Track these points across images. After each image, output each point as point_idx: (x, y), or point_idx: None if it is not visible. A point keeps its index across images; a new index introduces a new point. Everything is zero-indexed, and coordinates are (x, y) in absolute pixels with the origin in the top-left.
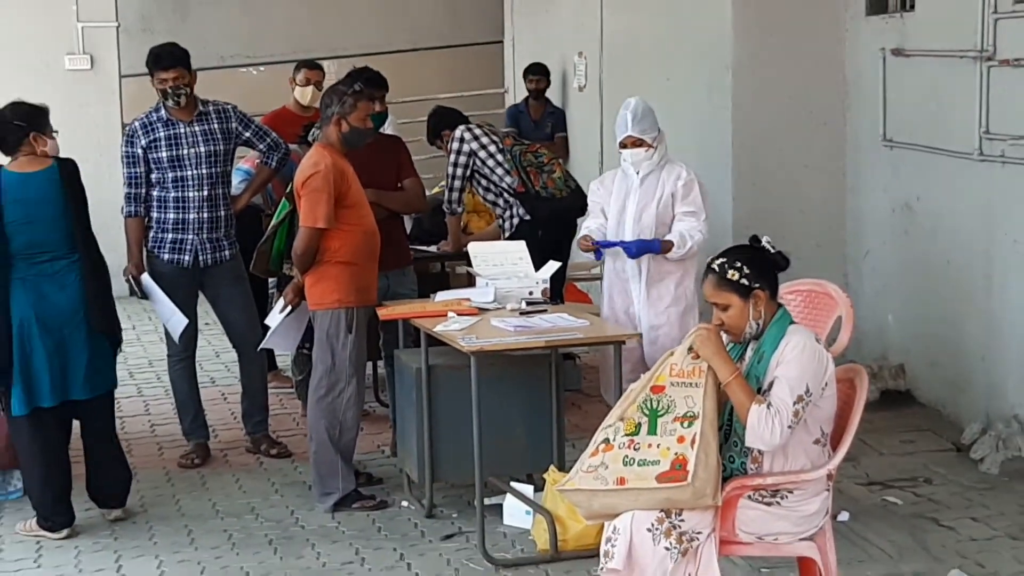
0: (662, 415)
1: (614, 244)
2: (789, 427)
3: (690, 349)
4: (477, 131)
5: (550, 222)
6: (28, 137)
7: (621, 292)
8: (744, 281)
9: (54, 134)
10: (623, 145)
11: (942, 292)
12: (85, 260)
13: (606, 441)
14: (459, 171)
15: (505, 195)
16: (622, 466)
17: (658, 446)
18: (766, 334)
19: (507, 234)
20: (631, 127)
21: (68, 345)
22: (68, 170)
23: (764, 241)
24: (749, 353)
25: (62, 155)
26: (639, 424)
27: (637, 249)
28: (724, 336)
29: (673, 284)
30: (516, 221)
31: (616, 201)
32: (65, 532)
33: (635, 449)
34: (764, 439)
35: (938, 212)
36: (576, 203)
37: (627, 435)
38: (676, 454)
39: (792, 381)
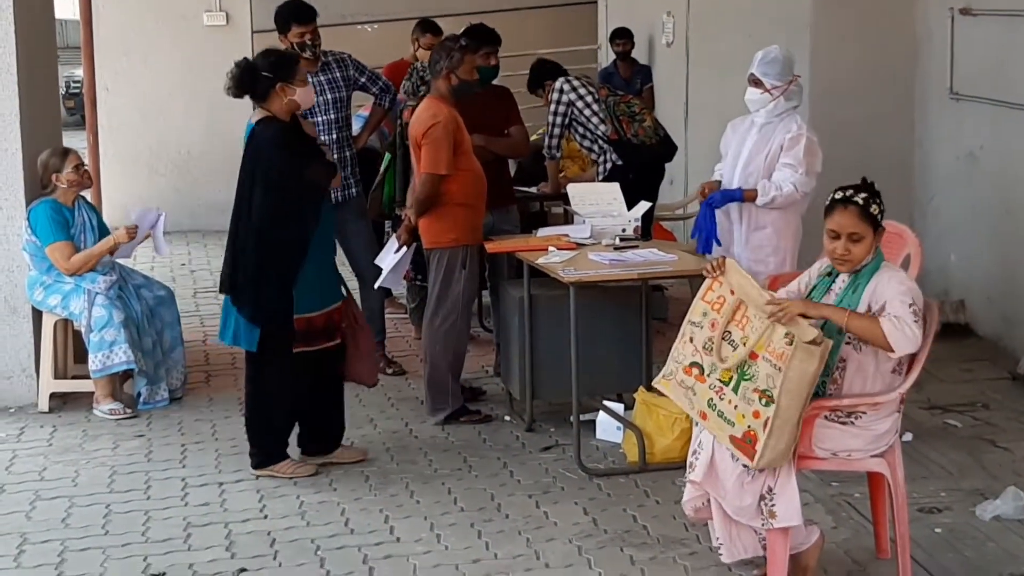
0: (747, 380)
1: (708, 202)
2: (916, 323)
3: (786, 334)
4: (575, 83)
5: (641, 167)
6: (276, 87)
7: (728, 232)
8: (880, 217)
9: (304, 80)
10: (749, 82)
11: (1001, 234)
12: (233, 221)
13: (700, 369)
14: (559, 119)
15: (600, 142)
16: (706, 405)
17: (735, 407)
18: (863, 268)
19: (601, 177)
20: (755, 66)
21: None
22: (258, 133)
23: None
24: (840, 284)
25: (210, 105)
26: (732, 378)
27: (719, 199)
28: (810, 275)
29: (774, 233)
30: (609, 166)
31: (735, 145)
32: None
33: (720, 398)
34: (910, 340)
35: (1000, 160)
36: (664, 150)
37: (720, 381)
38: (749, 427)
39: (901, 295)
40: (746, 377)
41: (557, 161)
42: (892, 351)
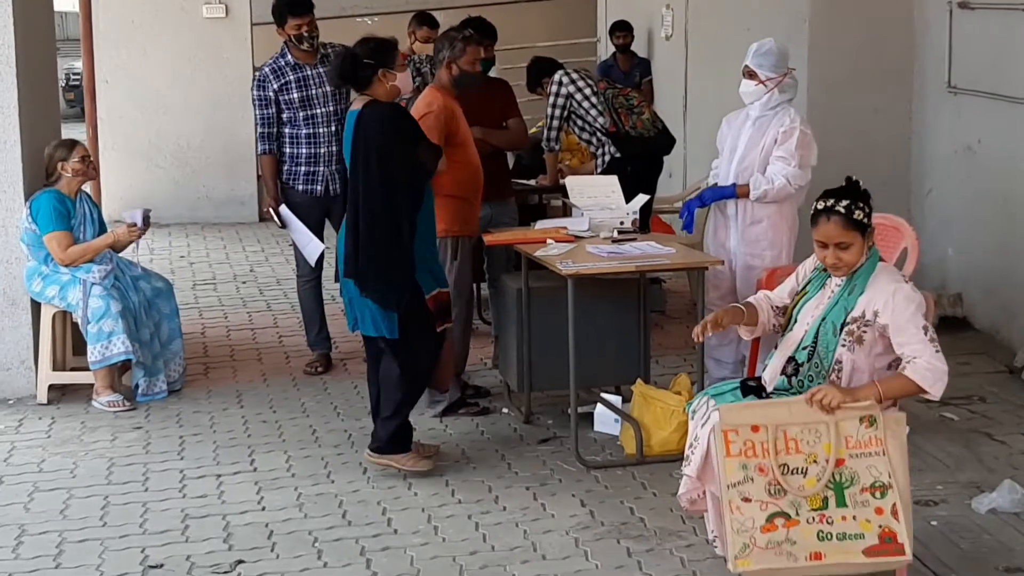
0: (848, 487)
1: (697, 201)
2: (938, 351)
3: (862, 420)
4: (574, 75)
5: (639, 159)
6: (378, 74)
7: (723, 226)
8: (865, 220)
9: (403, 66)
10: (743, 74)
11: (998, 227)
12: (351, 206)
13: (785, 516)
14: (557, 112)
15: (598, 134)
16: (816, 541)
17: (854, 518)
18: (859, 269)
19: (599, 170)
20: (749, 57)
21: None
22: (367, 115)
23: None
24: (835, 282)
25: (209, 98)
26: (826, 498)
27: (710, 195)
28: (804, 269)
29: (770, 227)
30: (608, 158)
31: (731, 139)
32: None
33: (828, 523)
34: (940, 374)
35: (997, 153)
36: (663, 142)
37: (815, 510)
38: (880, 527)
39: (913, 318)
40: (845, 486)
41: (556, 154)
42: (932, 396)
